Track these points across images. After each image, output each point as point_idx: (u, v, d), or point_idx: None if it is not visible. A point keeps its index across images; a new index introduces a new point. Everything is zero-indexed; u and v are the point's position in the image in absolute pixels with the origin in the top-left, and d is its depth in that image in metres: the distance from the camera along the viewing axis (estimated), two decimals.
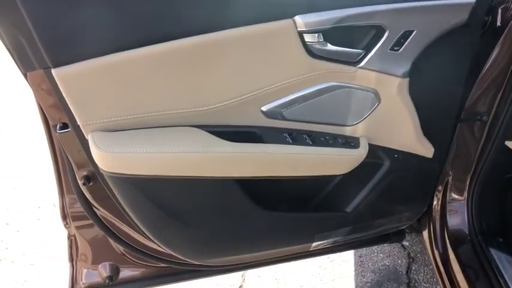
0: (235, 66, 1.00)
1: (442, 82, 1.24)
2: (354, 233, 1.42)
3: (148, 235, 1.14)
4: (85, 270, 1.39)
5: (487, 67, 1.28)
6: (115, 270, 1.39)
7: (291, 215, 1.25)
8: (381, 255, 2.34)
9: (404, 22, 1.07)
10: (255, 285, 2.20)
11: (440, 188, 1.67)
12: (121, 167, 0.96)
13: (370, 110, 1.19)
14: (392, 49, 1.09)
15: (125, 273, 1.43)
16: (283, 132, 1.13)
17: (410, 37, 1.09)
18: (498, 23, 1.17)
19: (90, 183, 1.10)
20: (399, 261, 2.30)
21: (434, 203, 1.64)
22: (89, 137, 0.94)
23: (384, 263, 2.30)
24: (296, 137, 1.13)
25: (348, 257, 2.33)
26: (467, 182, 1.57)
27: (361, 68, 1.10)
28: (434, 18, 1.08)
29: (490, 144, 1.38)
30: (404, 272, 2.26)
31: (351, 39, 1.08)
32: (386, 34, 1.07)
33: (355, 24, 1.04)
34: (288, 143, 1.09)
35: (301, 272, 2.26)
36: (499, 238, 1.53)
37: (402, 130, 1.25)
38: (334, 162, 1.14)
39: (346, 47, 1.06)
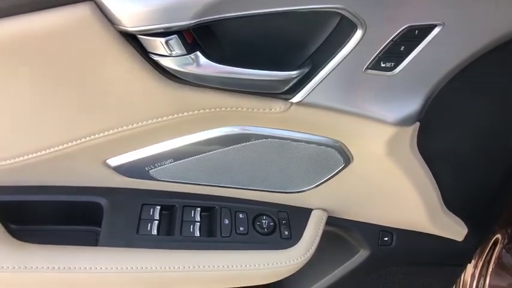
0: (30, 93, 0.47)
1: (499, 114, 0.59)
2: None
3: None
4: None
5: None
6: None
7: None
8: None
9: (410, 5, 0.42)
10: None
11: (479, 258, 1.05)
12: None
13: (331, 173, 0.60)
14: (377, 68, 0.46)
15: None
16: (149, 203, 0.61)
17: (426, 40, 0.45)
18: None
19: None
20: None
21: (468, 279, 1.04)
22: None
23: None
24: (170, 218, 0.61)
25: None
26: None
27: (300, 104, 0.50)
28: None
29: None
30: None
31: (267, 45, 0.46)
32: (358, 34, 0.44)
33: (272, 12, 0.42)
34: (144, 245, 0.57)
35: None
36: None
37: (400, 206, 0.65)
38: (243, 277, 0.61)
39: (255, 64, 0.46)
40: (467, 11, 0.43)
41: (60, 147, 0.53)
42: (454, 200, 0.67)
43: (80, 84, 0.47)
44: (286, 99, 0.49)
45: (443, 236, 0.73)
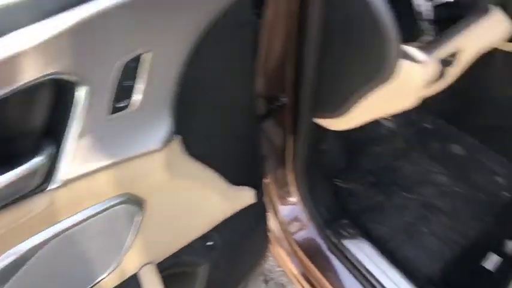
0: None
1: (227, 95, 0.70)
2: None
3: None
4: None
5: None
6: None
7: None
8: None
9: (114, 45, 0.43)
10: None
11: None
12: None
13: (134, 226, 0.56)
14: (116, 110, 0.46)
15: None
16: None
17: (145, 68, 0.47)
18: None
19: None
20: None
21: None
22: None
23: None
24: None
25: None
26: (293, 176, 1.21)
27: (68, 186, 0.43)
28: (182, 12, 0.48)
29: (303, 125, 1.03)
30: None
31: None
32: (83, 90, 0.41)
33: None
34: None
35: None
36: (344, 220, 1.28)
37: (203, 207, 0.69)
38: None
39: None
40: (160, 33, 0.47)
41: None
42: (234, 175, 0.76)
43: None
44: (45, 189, 0.42)
45: (244, 206, 0.82)
